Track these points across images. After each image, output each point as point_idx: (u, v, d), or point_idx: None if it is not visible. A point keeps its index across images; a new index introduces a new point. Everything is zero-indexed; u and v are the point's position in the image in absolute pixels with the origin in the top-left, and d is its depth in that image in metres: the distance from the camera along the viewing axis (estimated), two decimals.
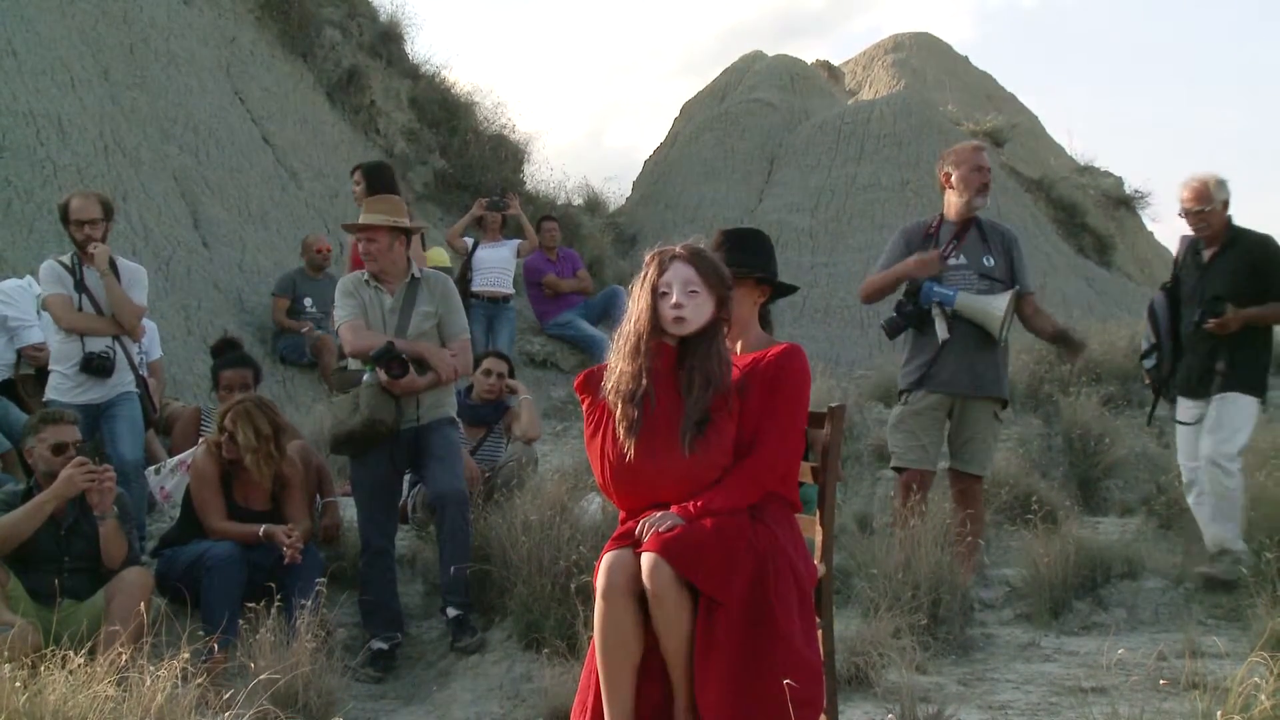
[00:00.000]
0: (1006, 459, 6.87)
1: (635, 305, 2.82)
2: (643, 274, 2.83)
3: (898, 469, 5.09)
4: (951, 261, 5.00)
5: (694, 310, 2.77)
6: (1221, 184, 5.05)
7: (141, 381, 5.18)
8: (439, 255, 7.96)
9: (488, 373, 5.69)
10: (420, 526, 5.30)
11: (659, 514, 2.66)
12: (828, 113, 15.84)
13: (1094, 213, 15.96)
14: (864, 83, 20.95)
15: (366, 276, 4.68)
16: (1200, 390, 5.01)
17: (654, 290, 2.80)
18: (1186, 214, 5.07)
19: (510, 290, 9.20)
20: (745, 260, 3.05)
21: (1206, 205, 5.02)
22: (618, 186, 19.26)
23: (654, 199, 15.10)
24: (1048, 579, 4.78)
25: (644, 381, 2.73)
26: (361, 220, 4.71)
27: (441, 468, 4.52)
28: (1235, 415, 4.92)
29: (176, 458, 5.45)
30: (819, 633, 2.84)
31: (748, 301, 3.06)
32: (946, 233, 5.08)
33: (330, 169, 10.33)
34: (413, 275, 4.69)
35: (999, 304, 4.88)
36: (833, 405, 3.05)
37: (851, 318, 12.39)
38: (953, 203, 5.08)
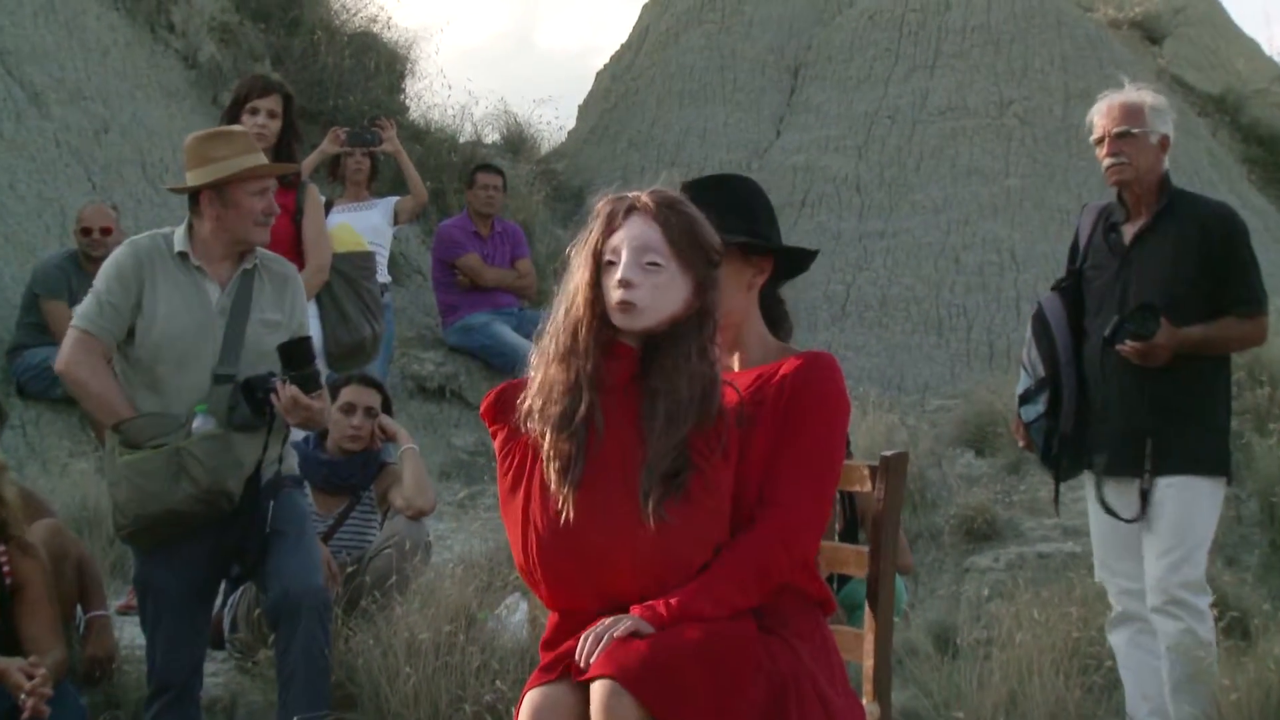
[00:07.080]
0: None
1: (572, 280, 2.82)
2: (586, 231, 2.84)
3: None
4: None
5: (652, 292, 2.75)
6: (1161, 111, 4.94)
7: None
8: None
9: (349, 408, 5.66)
10: (244, 652, 5.26)
11: (609, 620, 2.65)
12: None
13: None
14: None
15: (180, 247, 4.54)
16: (1129, 463, 4.83)
17: (598, 256, 2.81)
18: (1105, 144, 4.91)
19: (385, 277, 9.17)
20: (715, 218, 2.97)
21: (1136, 126, 4.84)
22: (555, 113, 19.40)
23: (611, 133, 15.16)
24: None
25: (585, 397, 2.74)
26: (242, 163, 4.48)
27: (292, 554, 4.47)
28: (1193, 518, 4.75)
29: None
30: None
31: (736, 284, 3.05)
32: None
33: (95, 88, 10.28)
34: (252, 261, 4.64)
35: None
36: (888, 453, 3.09)
37: (923, 318, 12.43)
38: None
